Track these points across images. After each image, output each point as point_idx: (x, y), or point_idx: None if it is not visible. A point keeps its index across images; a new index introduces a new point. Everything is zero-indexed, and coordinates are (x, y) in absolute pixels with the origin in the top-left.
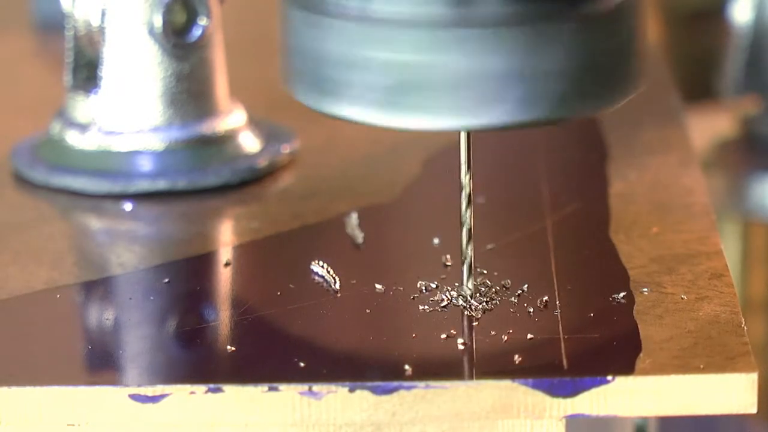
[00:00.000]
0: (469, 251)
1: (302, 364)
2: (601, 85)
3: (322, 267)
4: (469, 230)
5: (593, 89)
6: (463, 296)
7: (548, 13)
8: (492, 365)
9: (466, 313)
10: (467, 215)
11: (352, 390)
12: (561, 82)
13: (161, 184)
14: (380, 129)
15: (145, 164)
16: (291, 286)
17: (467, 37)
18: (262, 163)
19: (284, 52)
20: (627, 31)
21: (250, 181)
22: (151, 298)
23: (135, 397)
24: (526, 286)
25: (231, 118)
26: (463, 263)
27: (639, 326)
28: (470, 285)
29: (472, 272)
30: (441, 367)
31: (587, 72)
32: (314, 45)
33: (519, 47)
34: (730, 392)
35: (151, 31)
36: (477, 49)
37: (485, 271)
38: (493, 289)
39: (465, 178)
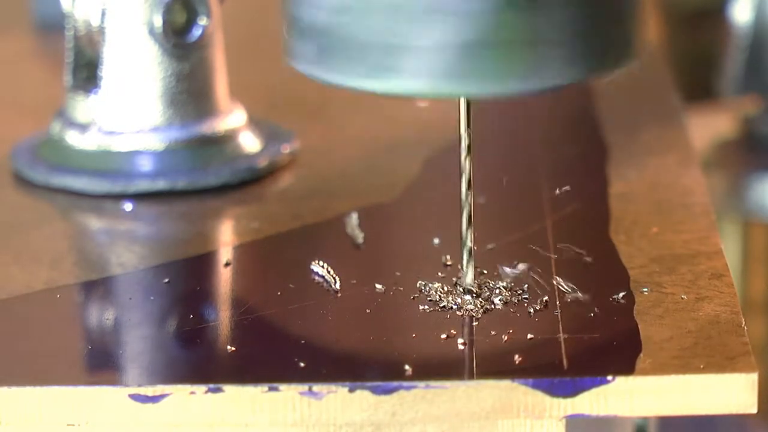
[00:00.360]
0: (469, 238)
1: (302, 364)
2: (598, 50)
3: (323, 267)
4: (469, 215)
5: (591, 54)
6: (461, 291)
7: None
8: (492, 365)
9: (465, 313)
10: (467, 200)
11: (352, 390)
12: (560, 48)
13: (161, 184)
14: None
15: (145, 164)
16: (291, 286)
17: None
18: (262, 163)
19: (287, 23)
20: None
21: (250, 181)
22: (151, 298)
23: (135, 397)
24: (526, 286)
25: (231, 118)
26: (462, 249)
27: (639, 326)
28: (470, 273)
29: (472, 257)
30: (441, 367)
31: (585, 37)
32: (308, 12)
33: (519, 14)
34: (730, 392)
35: (151, 31)
36: (477, 17)
37: (485, 271)
38: (494, 290)
39: (464, 154)
